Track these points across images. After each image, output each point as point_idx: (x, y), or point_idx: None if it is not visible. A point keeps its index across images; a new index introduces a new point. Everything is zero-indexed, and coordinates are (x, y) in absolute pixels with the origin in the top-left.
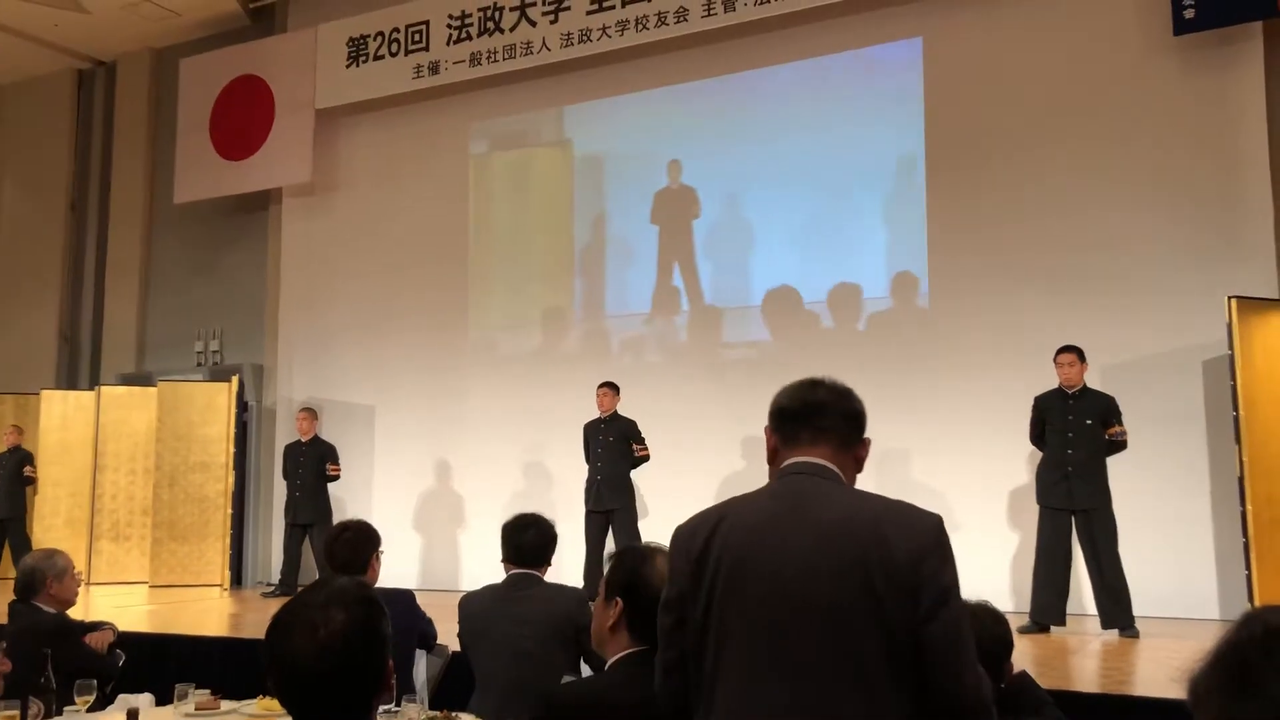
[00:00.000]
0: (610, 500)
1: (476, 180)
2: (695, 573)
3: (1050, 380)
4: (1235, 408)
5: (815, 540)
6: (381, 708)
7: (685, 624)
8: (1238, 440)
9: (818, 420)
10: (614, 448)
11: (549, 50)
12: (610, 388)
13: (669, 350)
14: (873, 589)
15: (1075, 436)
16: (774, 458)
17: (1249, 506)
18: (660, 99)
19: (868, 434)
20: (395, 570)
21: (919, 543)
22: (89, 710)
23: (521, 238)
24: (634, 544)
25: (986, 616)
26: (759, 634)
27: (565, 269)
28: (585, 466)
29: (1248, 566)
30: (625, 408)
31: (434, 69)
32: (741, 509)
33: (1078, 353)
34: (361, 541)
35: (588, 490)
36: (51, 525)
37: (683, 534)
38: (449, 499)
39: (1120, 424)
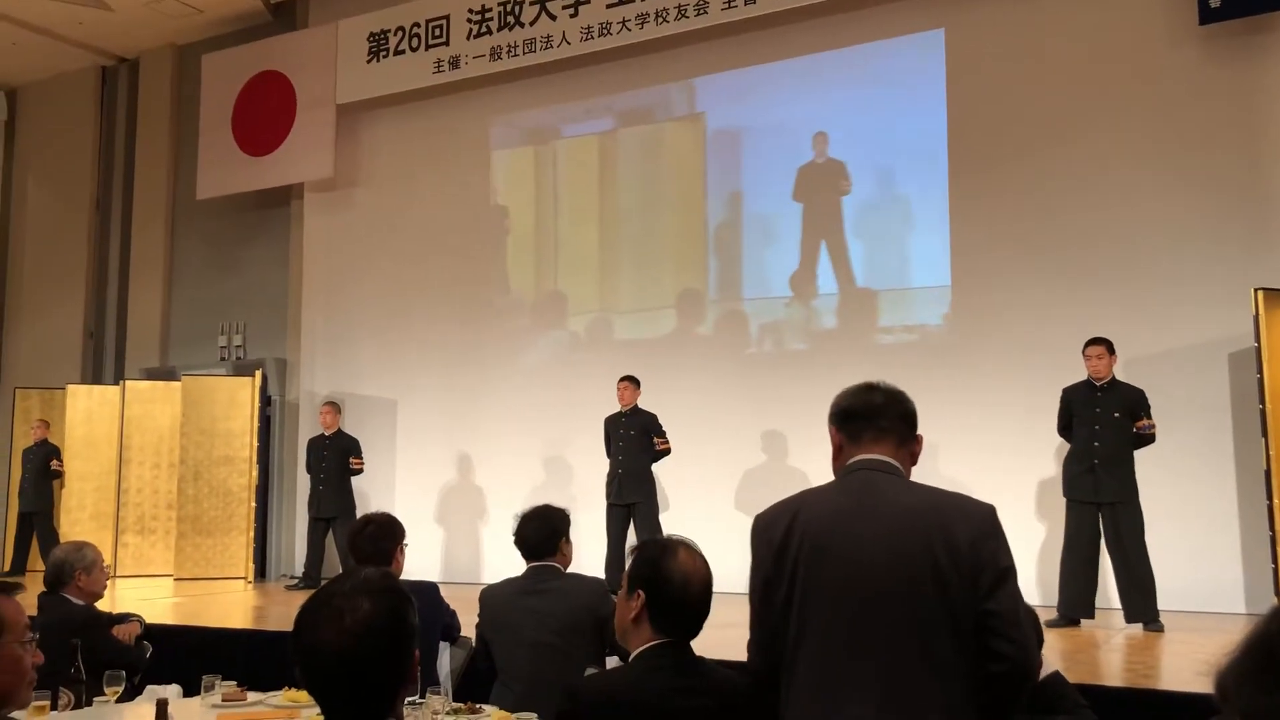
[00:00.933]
0: (631, 494)
1: (569, 159)
2: (778, 559)
3: (1079, 373)
4: (1262, 400)
5: (885, 529)
6: (406, 699)
7: (772, 605)
8: (1264, 433)
9: (879, 421)
10: (635, 441)
11: (569, 44)
12: (631, 381)
13: (813, 336)
14: (939, 571)
15: (1102, 429)
16: (839, 454)
17: (1275, 500)
18: (803, 68)
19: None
20: (418, 563)
21: (978, 529)
22: (118, 701)
23: (650, 216)
24: (655, 537)
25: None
26: (839, 613)
27: (698, 250)
28: (606, 460)
29: (1274, 560)
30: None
31: (454, 63)
32: (816, 501)
33: (1106, 345)
34: (385, 534)
35: (609, 484)
36: (78, 519)
37: (762, 524)
38: (470, 492)
39: (1149, 417)
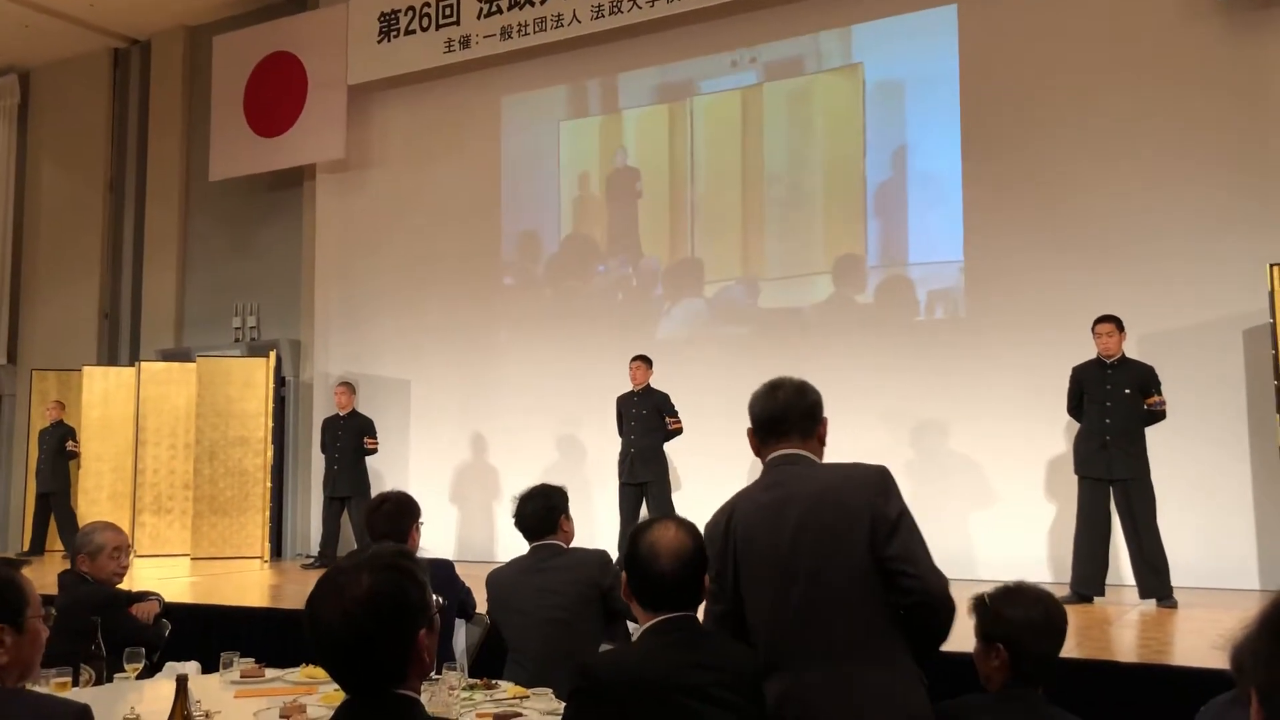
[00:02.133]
0: (643, 473)
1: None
2: (722, 554)
3: (1089, 351)
4: (1277, 377)
5: (798, 513)
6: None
7: (725, 591)
8: (1279, 410)
9: (782, 424)
10: (647, 420)
11: (579, 22)
12: (643, 360)
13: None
14: (845, 537)
15: (1113, 406)
16: (759, 452)
17: None
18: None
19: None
20: (432, 541)
21: (868, 490)
22: (138, 678)
23: (803, 175)
24: (650, 517)
25: (1043, 610)
26: (777, 592)
27: (856, 211)
28: (618, 439)
29: None
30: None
31: (465, 43)
32: (745, 499)
33: (1116, 322)
34: (402, 512)
35: (621, 463)
36: (96, 499)
37: (709, 526)
38: (484, 471)
39: (1159, 394)
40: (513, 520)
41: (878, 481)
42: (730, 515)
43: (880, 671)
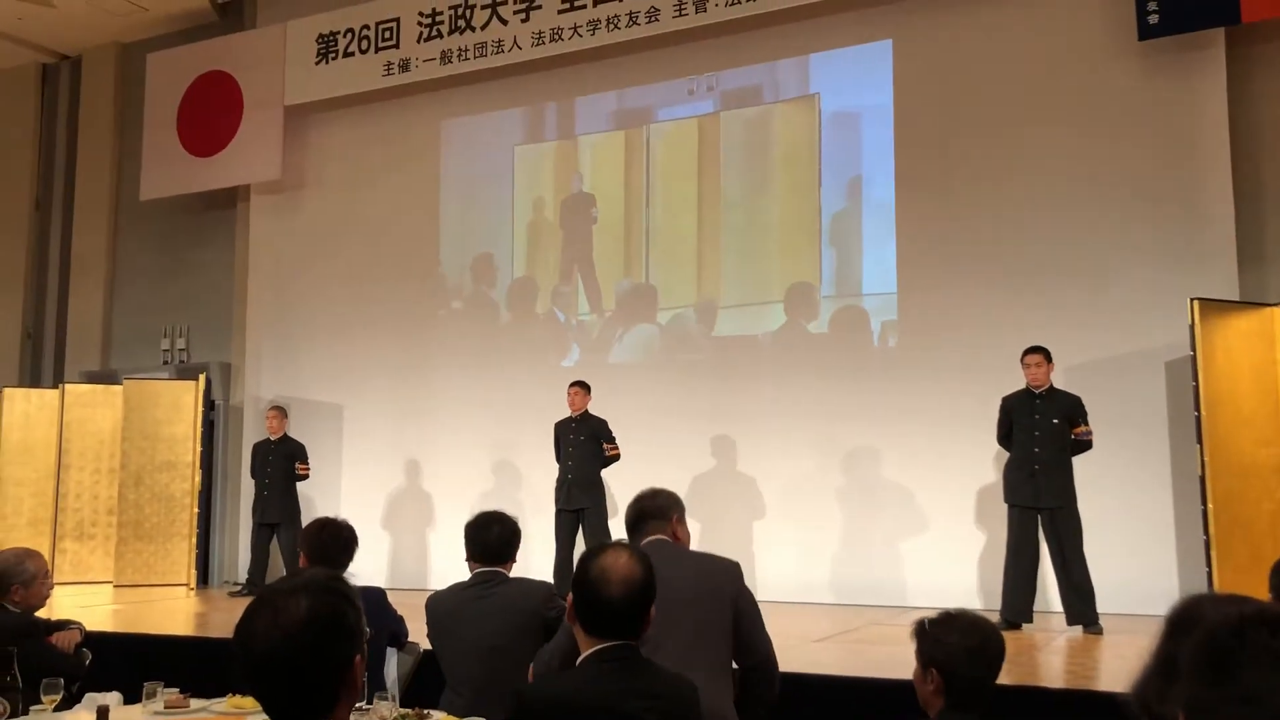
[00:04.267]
0: (580, 499)
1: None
2: None
3: (1018, 381)
4: (1197, 408)
5: (676, 583)
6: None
7: None
8: (1199, 440)
9: (647, 524)
10: (584, 447)
11: (520, 49)
12: (581, 386)
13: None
14: (712, 602)
15: (1042, 435)
16: (633, 535)
17: (1210, 505)
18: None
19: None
20: (364, 568)
21: (730, 576)
22: (55, 709)
23: (760, 203)
24: (602, 541)
25: (979, 637)
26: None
27: (810, 241)
28: (555, 465)
29: (1208, 564)
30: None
31: (404, 66)
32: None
33: (1044, 353)
34: (343, 542)
35: (558, 489)
36: (15, 525)
37: None
38: (418, 498)
39: (1086, 423)
40: (467, 540)
41: (736, 572)
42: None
43: None
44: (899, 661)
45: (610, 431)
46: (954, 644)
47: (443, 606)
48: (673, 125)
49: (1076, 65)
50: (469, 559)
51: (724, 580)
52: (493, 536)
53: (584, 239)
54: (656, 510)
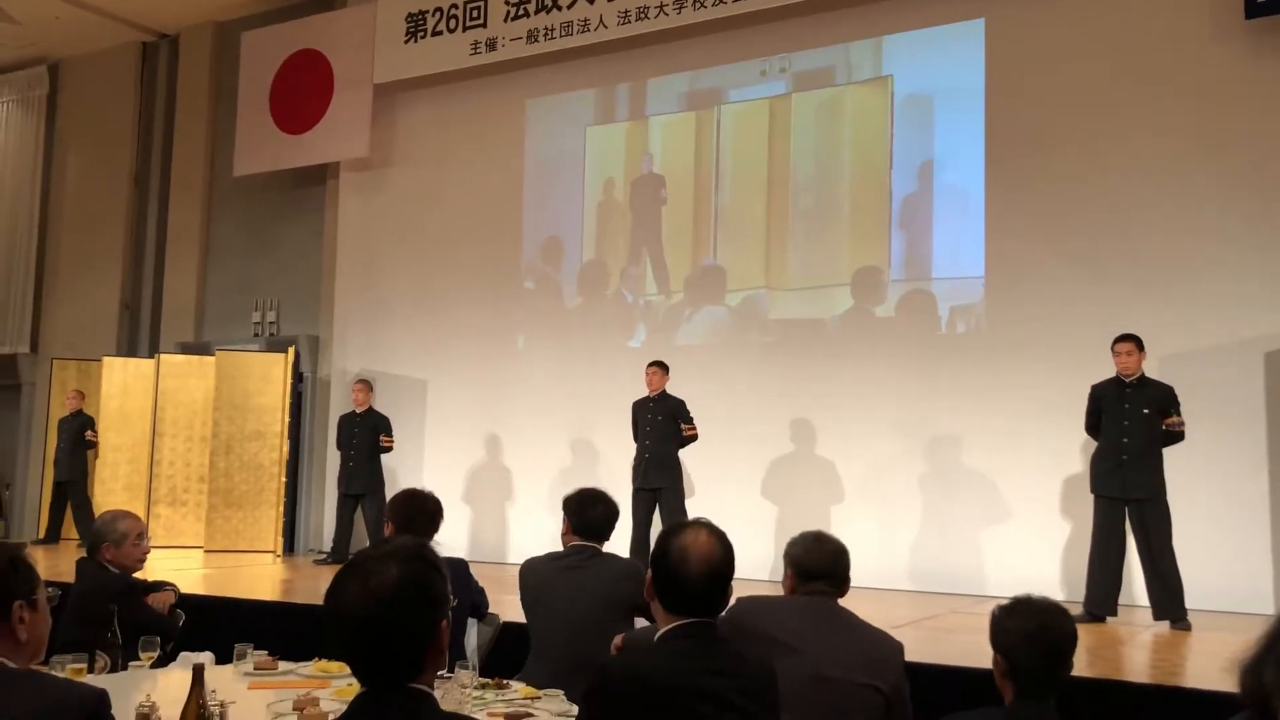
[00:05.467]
0: (657, 479)
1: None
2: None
3: (1107, 369)
4: None
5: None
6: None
7: None
8: None
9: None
10: (662, 426)
11: (606, 28)
12: (660, 366)
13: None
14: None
15: (1131, 425)
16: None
17: None
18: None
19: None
20: (445, 541)
21: (891, 661)
22: (152, 666)
23: (829, 185)
24: (679, 520)
25: (1038, 623)
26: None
27: (880, 224)
28: (633, 444)
29: None
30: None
31: (491, 45)
32: None
33: (1136, 341)
34: (433, 513)
35: (635, 468)
36: (111, 489)
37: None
38: (499, 473)
39: (1178, 414)
40: (571, 512)
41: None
42: None
43: None
44: (979, 650)
45: (688, 412)
46: (1014, 629)
47: (536, 575)
48: (744, 106)
49: (1179, 45)
50: (570, 532)
51: (891, 661)
52: (597, 515)
53: (654, 220)
54: (816, 569)
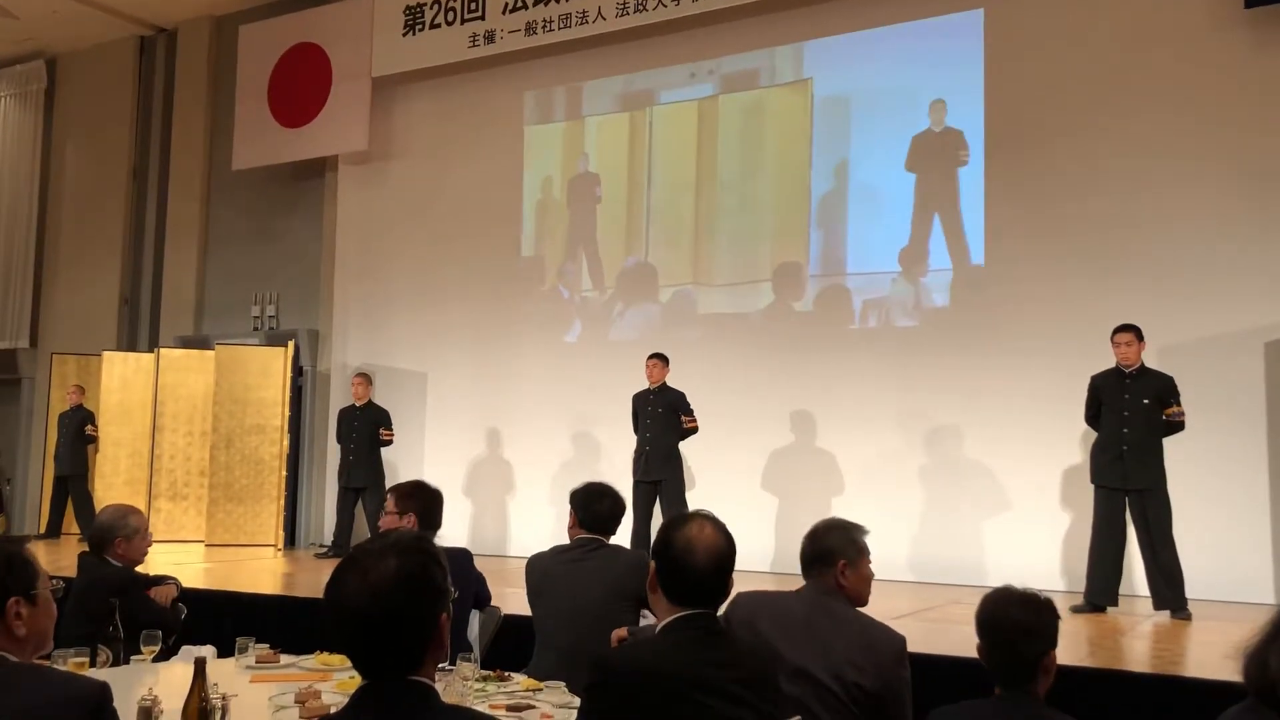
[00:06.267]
0: (658, 471)
1: (662, 127)
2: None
3: (1107, 360)
4: None
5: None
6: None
7: None
8: None
9: (812, 569)
10: (662, 419)
11: (604, 20)
12: (659, 359)
13: (923, 313)
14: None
15: (1131, 416)
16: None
17: None
18: (918, 32)
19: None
20: (445, 534)
21: (892, 655)
22: (154, 660)
23: (749, 187)
24: (681, 511)
25: (1002, 610)
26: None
27: (800, 221)
28: (633, 437)
29: None
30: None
31: (489, 38)
32: None
33: (1135, 331)
34: (435, 503)
35: (636, 460)
36: (112, 484)
37: None
38: (499, 466)
39: (1178, 404)
40: (580, 507)
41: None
42: None
43: None
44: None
45: (688, 404)
46: (982, 617)
47: (541, 567)
48: (673, 108)
49: (1179, 35)
50: (574, 525)
51: (884, 657)
52: (604, 508)
53: (589, 218)
54: (820, 554)
